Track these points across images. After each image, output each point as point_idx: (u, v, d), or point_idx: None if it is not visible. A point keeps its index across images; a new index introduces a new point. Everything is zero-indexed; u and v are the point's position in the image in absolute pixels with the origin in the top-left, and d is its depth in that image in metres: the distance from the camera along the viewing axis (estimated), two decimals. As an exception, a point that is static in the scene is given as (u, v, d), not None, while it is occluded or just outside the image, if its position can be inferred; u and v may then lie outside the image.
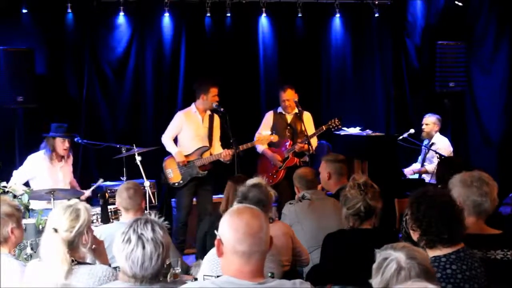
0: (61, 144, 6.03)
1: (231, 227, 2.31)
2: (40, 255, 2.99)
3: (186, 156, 6.58)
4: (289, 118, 6.95)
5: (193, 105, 6.67)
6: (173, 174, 6.59)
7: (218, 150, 6.66)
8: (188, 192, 6.63)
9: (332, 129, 6.85)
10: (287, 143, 6.87)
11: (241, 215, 2.33)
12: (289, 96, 6.81)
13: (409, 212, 2.98)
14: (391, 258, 2.27)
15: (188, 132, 6.62)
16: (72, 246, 2.97)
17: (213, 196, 6.80)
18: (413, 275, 2.22)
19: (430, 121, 7.42)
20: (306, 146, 6.66)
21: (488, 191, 3.24)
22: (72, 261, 2.92)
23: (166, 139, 6.63)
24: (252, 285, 2.27)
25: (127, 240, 2.47)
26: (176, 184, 6.60)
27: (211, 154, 6.60)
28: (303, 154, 6.86)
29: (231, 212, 2.38)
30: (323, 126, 6.81)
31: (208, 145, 6.64)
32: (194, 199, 6.78)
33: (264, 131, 6.88)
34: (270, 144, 6.89)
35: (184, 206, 6.63)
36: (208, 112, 6.67)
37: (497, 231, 3.26)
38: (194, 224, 6.78)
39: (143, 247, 2.45)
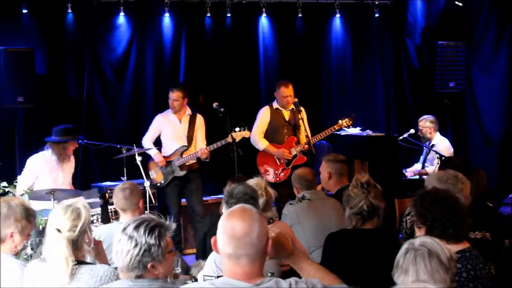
0: (72, 146, 6.06)
1: (221, 229, 2.34)
2: (43, 256, 2.98)
3: (167, 156, 6.64)
4: (286, 114, 6.84)
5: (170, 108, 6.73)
6: (156, 175, 6.67)
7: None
8: (172, 192, 6.66)
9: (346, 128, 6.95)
10: (293, 141, 6.77)
11: (231, 218, 2.34)
12: (292, 92, 6.73)
13: (413, 209, 3.00)
14: (412, 240, 2.36)
15: (167, 133, 6.70)
16: (76, 245, 2.98)
17: (215, 196, 6.80)
18: (418, 259, 2.30)
19: (422, 124, 7.41)
20: (306, 146, 6.63)
21: (462, 188, 3.40)
22: (74, 261, 2.92)
23: (145, 141, 6.69)
24: (248, 286, 2.28)
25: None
26: (159, 184, 6.66)
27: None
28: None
29: (225, 213, 2.41)
30: (335, 126, 6.82)
31: (187, 144, 6.64)
32: (184, 200, 6.80)
33: (261, 128, 6.79)
34: (272, 142, 6.78)
35: (171, 205, 6.67)
36: (188, 113, 6.68)
37: None
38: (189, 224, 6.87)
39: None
